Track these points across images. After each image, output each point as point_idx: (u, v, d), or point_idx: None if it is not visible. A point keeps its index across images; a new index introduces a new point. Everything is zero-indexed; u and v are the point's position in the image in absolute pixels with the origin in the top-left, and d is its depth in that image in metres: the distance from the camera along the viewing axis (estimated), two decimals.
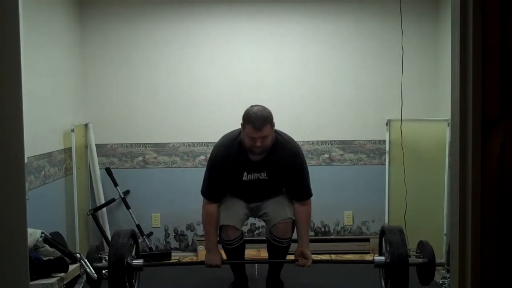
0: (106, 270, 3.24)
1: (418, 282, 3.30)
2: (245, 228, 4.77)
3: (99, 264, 3.28)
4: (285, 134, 3.36)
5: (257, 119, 3.09)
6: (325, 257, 4.70)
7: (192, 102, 4.82)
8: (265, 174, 3.26)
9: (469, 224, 1.30)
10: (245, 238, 3.56)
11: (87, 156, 4.67)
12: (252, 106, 3.19)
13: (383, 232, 3.38)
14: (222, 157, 3.27)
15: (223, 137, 3.40)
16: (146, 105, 4.82)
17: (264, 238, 3.60)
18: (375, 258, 3.38)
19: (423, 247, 3.30)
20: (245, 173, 3.25)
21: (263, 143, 3.12)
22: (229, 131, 3.43)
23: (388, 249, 3.21)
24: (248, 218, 3.53)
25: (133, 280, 3.37)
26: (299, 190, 3.35)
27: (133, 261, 3.29)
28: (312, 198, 4.96)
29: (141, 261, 3.35)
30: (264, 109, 3.16)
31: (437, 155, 4.22)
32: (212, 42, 4.79)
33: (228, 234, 3.33)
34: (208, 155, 3.49)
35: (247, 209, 3.43)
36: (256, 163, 3.24)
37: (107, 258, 3.27)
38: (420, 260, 3.26)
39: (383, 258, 3.29)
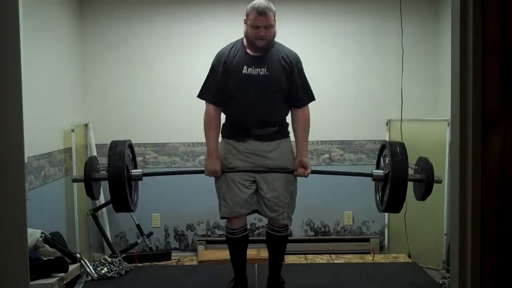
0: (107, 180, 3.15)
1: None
2: None
3: (98, 175, 3.22)
4: None
5: (261, 6, 3.12)
6: (325, 257, 4.70)
7: (192, 102, 4.78)
8: (265, 70, 3.19)
9: (469, 224, 1.30)
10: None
11: (87, 156, 4.66)
12: (255, 1, 3.20)
13: (383, 147, 3.33)
14: (222, 54, 3.27)
15: None
16: (146, 105, 4.82)
17: (264, 238, 3.58)
18: (373, 171, 3.32)
19: (422, 163, 3.24)
20: (245, 67, 3.19)
21: (267, 33, 3.13)
22: None
23: (387, 161, 3.14)
24: (253, 198, 3.28)
25: (133, 191, 3.33)
26: (301, 91, 3.30)
27: (132, 171, 3.25)
28: (312, 198, 4.98)
29: (140, 171, 3.31)
30: (268, 1, 3.19)
31: (437, 155, 4.21)
32: (212, 42, 4.78)
33: (232, 223, 3.32)
34: None
35: (249, 177, 3.26)
36: (256, 58, 3.20)
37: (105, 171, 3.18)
38: (419, 175, 3.21)
39: (382, 171, 3.24)
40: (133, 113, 4.81)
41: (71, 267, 3.25)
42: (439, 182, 3.17)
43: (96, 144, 4.70)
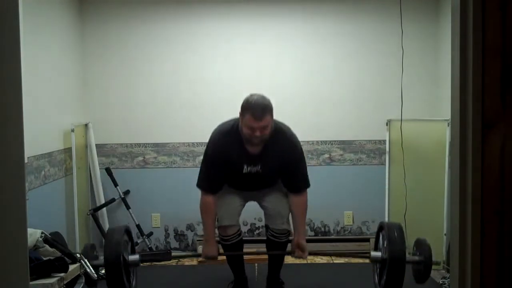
0: (103, 268, 3.22)
1: (409, 281, 3.28)
2: (245, 228, 4.78)
3: (95, 262, 3.26)
4: (283, 124, 3.30)
5: (257, 108, 3.00)
6: (325, 257, 4.70)
7: (192, 102, 4.82)
8: (259, 167, 3.20)
9: (469, 224, 1.30)
10: (244, 238, 3.57)
11: (87, 156, 4.67)
12: (251, 95, 3.11)
13: (381, 228, 3.35)
14: (221, 148, 3.21)
15: (219, 126, 3.32)
16: (146, 105, 4.82)
17: (264, 238, 3.59)
18: (371, 252, 3.34)
19: (421, 245, 3.27)
20: (245, 166, 3.20)
21: (262, 133, 3.05)
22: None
23: (385, 245, 3.18)
24: (244, 206, 3.49)
25: (131, 276, 3.34)
26: (296, 181, 3.32)
27: (130, 257, 3.27)
28: (312, 198, 4.96)
29: (137, 256, 3.33)
30: (264, 98, 3.09)
31: (437, 155, 4.21)
32: (212, 42, 4.79)
33: (226, 230, 3.35)
34: None
35: (243, 199, 3.43)
36: (253, 155, 3.18)
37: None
38: (417, 258, 3.23)
39: (379, 253, 3.26)
40: (133, 113, 4.81)
41: (71, 267, 3.25)
42: (438, 264, 3.22)
43: (96, 144, 4.70)
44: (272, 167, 3.23)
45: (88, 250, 3.32)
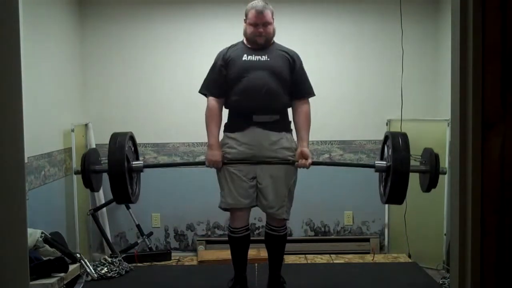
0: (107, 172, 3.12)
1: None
2: None
3: (98, 167, 3.20)
4: None
5: (259, 5, 3.27)
6: (325, 257, 4.70)
7: (192, 102, 4.80)
8: (266, 57, 3.31)
9: (469, 224, 1.30)
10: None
11: None
12: (253, 1, 3.33)
13: (386, 138, 3.33)
14: (222, 51, 3.40)
15: None
16: (146, 105, 4.82)
17: (264, 238, 3.58)
18: (376, 162, 3.32)
19: (427, 154, 3.22)
20: (245, 55, 3.31)
21: (266, 30, 3.27)
22: None
23: (390, 153, 3.14)
24: (253, 188, 3.28)
25: (134, 183, 3.32)
26: (301, 84, 3.38)
27: (133, 163, 3.24)
28: (312, 198, 4.98)
29: (141, 162, 3.30)
30: (266, 2, 3.32)
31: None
32: (212, 42, 4.79)
33: (235, 222, 3.33)
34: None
35: (249, 172, 3.27)
36: (256, 49, 3.32)
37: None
38: (423, 167, 3.20)
39: (384, 162, 3.24)
40: (133, 113, 4.80)
41: (71, 267, 3.25)
42: (444, 173, 3.17)
43: (96, 144, 4.69)
44: (275, 59, 3.32)
45: (92, 155, 3.25)
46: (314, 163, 3.33)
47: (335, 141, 4.89)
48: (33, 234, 3.21)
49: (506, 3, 1.25)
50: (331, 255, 4.73)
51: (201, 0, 4.78)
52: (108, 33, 4.78)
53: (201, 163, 3.39)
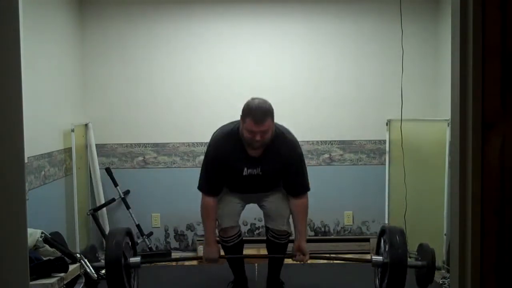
0: (104, 270, 3.22)
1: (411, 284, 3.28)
2: (245, 228, 4.78)
3: (96, 264, 3.26)
4: (283, 127, 3.31)
5: (258, 112, 3.02)
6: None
7: (192, 102, 4.82)
8: (259, 170, 3.22)
9: (469, 224, 1.30)
10: (244, 238, 3.57)
11: (87, 156, 4.67)
12: (252, 99, 3.13)
13: (382, 232, 3.35)
14: (221, 151, 3.22)
15: (219, 129, 3.34)
16: (146, 105, 4.82)
17: (264, 238, 3.60)
18: (372, 257, 3.35)
19: (423, 250, 3.28)
20: (245, 168, 3.22)
21: (263, 137, 3.06)
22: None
23: (387, 249, 3.19)
24: (244, 207, 3.49)
25: (132, 278, 3.35)
26: (296, 184, 3.33)
27: (131, 259, 3.27)
28: (312, 198, 4.96)
29: (139, 258, 3.33)
30: (265, 102, 3.10)
31: (437, 155, 4.21)
32: (212, 42, 4.79)
33: (226, 232, 3.35)
34: None
35: (243, 200, 3.43)
36: (254, 158, 3.20)
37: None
38: (419, 263, 3.24)
39: (381, 257, 3.26)
40: (133, 113, 4.80)
41: (71, 267, 3.25)
42: (439, 269, 3.22)
43: (96, 144, 4.70)
44: (272, 171, 3.25)
45: (89, 252, 3.32)
46: (311, 257, 3.40)
47: (335, 141, 4.88)
48: (33, 234, 3.20)
49: (506, 3, 1.25)
50: (331, 255, 4.73)
51: (201, 0, 4.77)
52: (108, 33, 4.78)
53: (199, 258, 3.47)
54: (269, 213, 3.39)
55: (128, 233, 3.34)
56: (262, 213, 3.50)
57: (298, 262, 3.34)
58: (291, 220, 3.41)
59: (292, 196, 3.34)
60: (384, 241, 3.29)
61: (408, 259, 3.18)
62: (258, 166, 3.21)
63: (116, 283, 3.13)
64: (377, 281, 3.39)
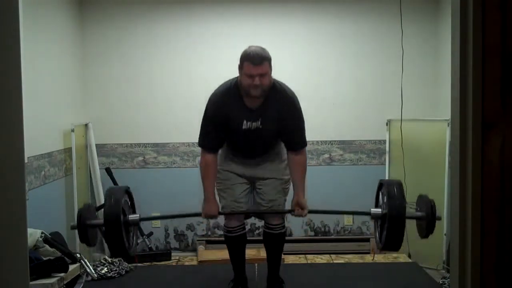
0: (103, 226, 3.10)
1: None
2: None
3: (94, 221, 3.20)
4: (283, 83, 3.30)
5: (256, 55, 3.04)
6: (325, 257, 4.70)
7: (192, 102, 4.81)
8: (259, 123, 3.21)
9: (469, 224, 1.30)
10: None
11: (87, 156, 4.67)
12: (249, 46, 3.14)
13: (380, 185, 3.35)
14: (220, 105, 3.22)
15: (217, 88, 3.34)
16: (146, 105, 4.82)
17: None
18: (371, 210, 3.34)
19: (422, 201, 3.24)
20: (245, 121, 3.20)
21: (262, 81, 3.04)
22: None
23: (385, 201, 3.15)
24: (248, 190, 3.41)
25: (131, 237, 3.31)
26: (294, 138, 3.31)
27: (130, 216, 3.24)
28: (312, 198, 4.98)
29: (138, 216, 3.30)
30: (263, 48, 3.11)
31: (437, 155, 4.22)
32: (212, 42, 4.79)
33: (230, 221, 3.35)
34: None
35: (245, 173, 3.37)
36: (253, 110, 3.20)
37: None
38: (419, 213, 3.22)
39: (380, 209, 3.26)
40: (133, 113, 4.81)
41: (71, 267, 3.25)
42: (439, 219, 3.20)
43: (96, 144, 4.70)
44: (271, 123, 3.23)
45: (86, 210, 3.23)
46: (310, 212, 3.36)
47: (335, 141, 4.89)
48: (33, 234, 3.21)
49: (506, 3, 1.25)
50: (331, 255, 4.73)
51: (201, 0, 4.78)
52: (108, 33, 4.78)
53: (198, 214, 3.41)
54: (262, 193, 3.35)
55: (127, 191, 3.31)
56: (257, 195, 3.40)
57: (297, 217, 3.32)
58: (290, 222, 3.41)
59: (290, 151, 3.33)
60: (382, 194, 3.29)
61: (408, 211, 3.16)
62: (258, 118, 3.20)
63: (116, 239, 3.04)
64: (377, 235, 3.39)
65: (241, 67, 3.10)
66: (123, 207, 3.12)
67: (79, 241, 3.24)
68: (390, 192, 3.13)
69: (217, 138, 3.28)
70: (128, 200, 3.29)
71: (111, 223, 3.03)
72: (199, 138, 3.33)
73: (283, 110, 3.22)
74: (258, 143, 3.31)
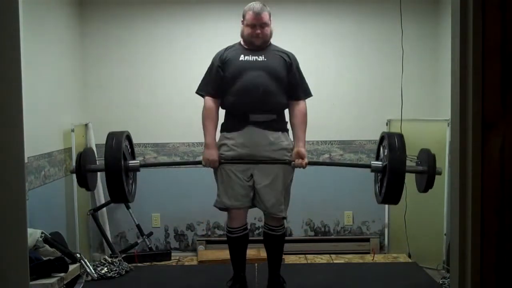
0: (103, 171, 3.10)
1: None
2: None
3: (94, 166, 3.17)
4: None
5: (257, 6, 3.30)
6: (325, 257, 4.70)
7: (192, 102, 4.80)
8: (263, 57, 3.32)
9: (469, 224, 1.30)
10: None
11: None
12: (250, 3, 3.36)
13: (382, 138, 3.33)
14: (219, 51, 3.42)
15: None
16: (146, 105, 4.82)
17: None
18: (372, 162, 3.33)
19: (424, 155, 3.21)
20: (242, 55, 3.33)
21: (263, 31, 3.28)
22: None
23: (386, 153, 3.13)
24: (252, 191, 3.31)
25: (130, 183, 3.30)
26: (298, 86, 3.38)
27: (130, 162, 3.23)
28: (312, 198, 4.97)
29: (138, 161, 3.28)
30: (264, 4, 3.33)
31: (437, 155, 4.20)
32: (212, 42, 4.78)
33: (232, 222, 3.33)
34: None
35: (246, 177, 3.29)
36: (253, 50, 3.34)
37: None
38: (420, 167, 3.19)
39: (380, 162, 3.23)
40: (133, 113, 4.80)
41: (71, 267, 3.25)
42: (439, 173, 3.16)
43: (96, 144, 4.69)
44: (274, 61, 3.33)
45: (87, 155, 3.20)
46: (310, 163, 3.37)
47: (335, 141, 4.89)
48: (33, 234, 3.21)
49: (506, 3, 1.25)
50: (331, 255, 4.73)
51: (201, 0, 4.78)
52: (108, 33, 4.78)
53: (198, 163, 3.39)
54: (264, 192, 3.24)
55: (128, 136, 3.30)
56: (257, 196, 3.32)
57: (297, 168, 3.30)
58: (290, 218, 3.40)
59: (293, 100, 3.37)
60: (383, 147, 3.26)
61: (408, 164, 3.14)
62: (261, 54, 3.34)
63: (116, 184, 3.03)
64: (377, 188, 3.38)
65: (243, 19, 3.34)
66: (124, 152, 3.10)
67: (79, 185, 3.22)
68: (391, 144, 3.09)
69: (215, 81, 3.35)
70: (128, 146, 3.27)
71: (112, 167, 3.00)
72: (199, 86, 3.44)
73: (284, 56, 3.38)
74: (262, 80, 3.27)
